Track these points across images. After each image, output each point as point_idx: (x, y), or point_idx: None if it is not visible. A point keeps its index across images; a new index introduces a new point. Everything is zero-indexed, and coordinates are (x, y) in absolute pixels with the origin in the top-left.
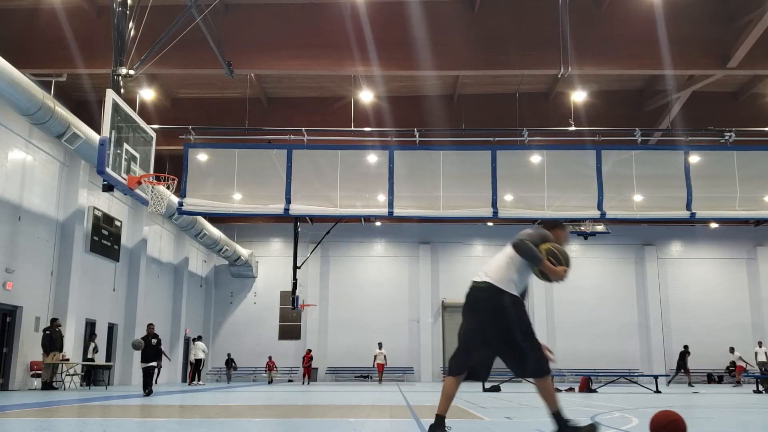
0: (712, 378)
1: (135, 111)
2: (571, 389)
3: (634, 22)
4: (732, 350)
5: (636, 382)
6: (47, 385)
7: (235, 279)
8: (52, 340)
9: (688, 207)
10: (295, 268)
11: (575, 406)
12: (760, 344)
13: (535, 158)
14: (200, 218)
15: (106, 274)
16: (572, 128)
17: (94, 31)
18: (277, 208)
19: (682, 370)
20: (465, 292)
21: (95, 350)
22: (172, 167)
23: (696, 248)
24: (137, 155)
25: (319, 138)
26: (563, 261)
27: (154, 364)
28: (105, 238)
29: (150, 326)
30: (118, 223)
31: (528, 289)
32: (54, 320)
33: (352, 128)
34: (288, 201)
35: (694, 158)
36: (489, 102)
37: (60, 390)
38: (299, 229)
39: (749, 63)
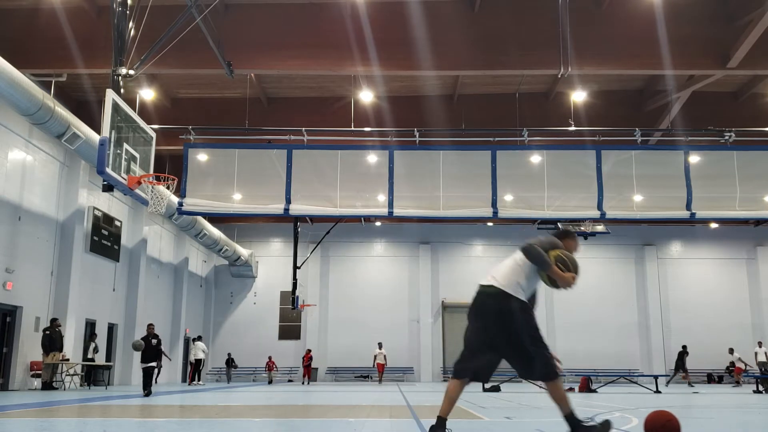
0: (712, 378)
1: (135, 111)
2: (571, 389)
3: (634, 22)
4: (731, 351)
5: (636, 382)
6: (47, 385)
7: (235, 279)
8: (52, 340)
9: (688, 207)
10: (295, 268)
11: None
12: (760, 344)
13: (535, 158)
14: (200, 218)
15: (106, 274)
16: (572, 128)
17: (94, 31)
18: (277, 208)
19: (681, 370)
20: (472, 295)
21: (95, 350)
22: (172, 167)
23: (696, 248)
24: (137, 155)
25: (319, 138)
26: (572, 268)
27: (153, 364)
28: (105, 238)
29: (150, 326)
30: (118, 223)
31: (537, 295)
32: (54, 320)
33: (352, 128)
34: (288, 201)
35: (694, 158)
36: (489, 102)
37: (60, 390)
38: (299, 229)
39: (749, 63)
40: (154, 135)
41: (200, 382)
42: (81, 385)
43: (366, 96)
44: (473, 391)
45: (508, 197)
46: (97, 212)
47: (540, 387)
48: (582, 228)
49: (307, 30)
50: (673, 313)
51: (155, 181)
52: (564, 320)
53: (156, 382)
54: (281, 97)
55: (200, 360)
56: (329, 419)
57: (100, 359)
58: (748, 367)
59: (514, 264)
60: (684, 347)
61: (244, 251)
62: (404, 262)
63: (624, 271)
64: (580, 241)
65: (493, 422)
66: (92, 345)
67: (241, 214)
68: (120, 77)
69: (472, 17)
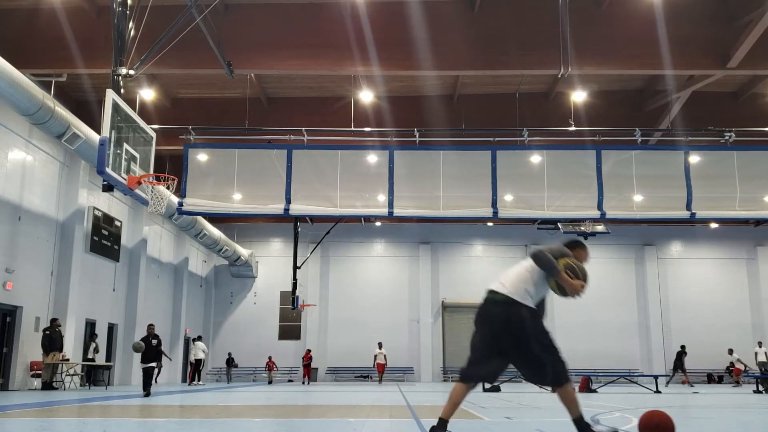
0: (712, 378)
1: (135, 111)
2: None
3: (634, 22)
4: (730, 352)
5: (636, 382)
6: (47, 385)
7: (235, 279)
8: (52, 340)
9: (688, 207)
10: (295, 268)
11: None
12: (760, 344)
13: (535, 158)
14: (200, 218)
15: (106, 274)
16: (572, 128)
17: (94, 31)
18: (277, 208)
19: (679, 371)
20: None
21: (96, 350)
22: (172, 167)
23: (696, 248)
24: (137, 155)
25: (319, 138)
26: (581, 276)
27: (153, 364)
28: (105, 238)
29: (150, 326)
30: (118, 223)
31: (546, 303)
32: (54, 320)
33: (352, 128)
34: (288, 201)
35: (694, 158)
36: (489, 102)
37: (60, 390)
38: (299, 229)
39: (749, 63)
40: (154, 135)
41: (200, 382)
42: (81, 385)
43: (366, 96)
44: (473, 391)
45: (508, 197)
46: (97, 212)
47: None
48: (582, 228)
49: (307, 30)
50: (673, 313)
51: (155, 181)
52: (564, 320)
53: (156, 382)
54: (281, 97)
55: (200, 360)
56: (329, 419)
57: (100, 359)
58: (747, 368)
59: (523, 270)
60: (682, 347)
61: (244, 251)
62: (404, 262)
63: (624, 271)
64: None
65: (493, 422)
66: (93, 345)
67: (241, 214)
68: (120, 77)
69: (472, 17)
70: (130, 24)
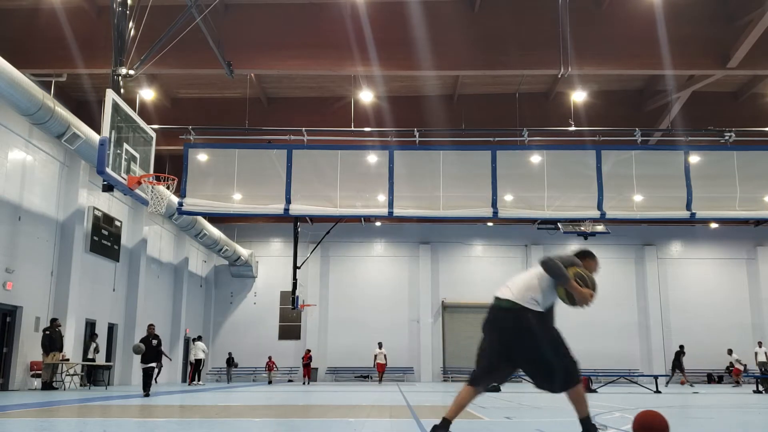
0: (711, 378)
1: (135, 111)
2: None
3: (634, 22)
4: (730, 352)
5: (636, 382)
6: (47, 385)
7: (235, 279)
8: (52, 340)
9: (688, 207)
10: (295, 268)
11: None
12: (760, 344)
13: (535, 158)
14: (200, 218)
15: (106, 274)
16: (572, 128)
17: (94, 31)
18: (277, 208)
19: (678, 370)
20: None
21: (96, 350)
22: (172, 167)
23: (696, 248)
24: (137, 155)
25: (319, 138)
26: (590, 286)
27: (154, 364)
28: (105, 238)
29: (151, 326)
30: (118, 223)
31: (554, 313)
32: (54, 320)
33: (352, 128)
34: (288, 201)
35: (694, 158)
36: (489, 102)
37: (60, 390)
38: (299, 229)
39: (749, 63)
40: (154, 135)
41: (200, 382)
42: (81, 385)
43: (366, 96)
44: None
45: (508, 197)
46: (97, 212)
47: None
48: (582, 228)
49: (307, 30)
50: (673, 313)
51: (155, 181)
52: (564, 320)
53: (156, 382)
54: (281, 97)
55: (200, 360)
56: (329, 419)
57: (100, 359)
58: (746, 368)
59: (531, 277)
60: (681, 347)
61: (244, 251)
62: (404, 262)
63: (624, 271)
64: (580, 241)
65: (493, 422)
66: (93, 345)
67: (241, 214)
68: (120, 77)
69: (472, 17)
70: (130, 24)
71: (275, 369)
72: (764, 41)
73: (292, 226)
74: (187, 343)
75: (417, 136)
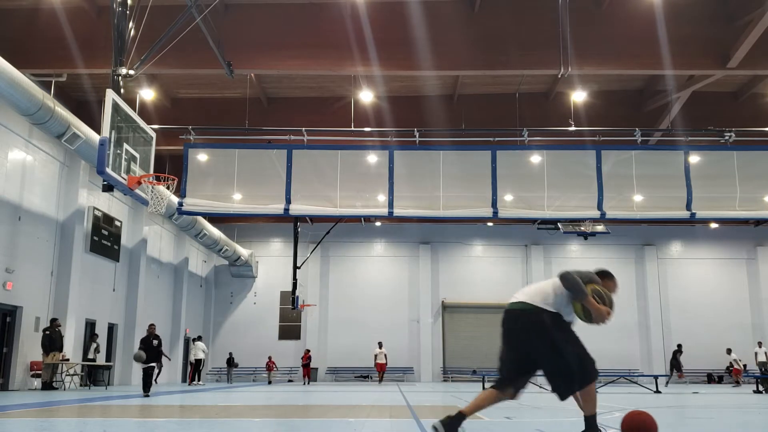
0: (711, 378)
1: (135, 111)
2: None
3: (634, 22)
4: (729, 352)
5: (636, 382)
6: (47, 385)
7: (235, 279)
8: (52, 340)
9: (688, 207)
10: (295, 268)
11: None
12: (760, 344)
13: (535, 158)
14: (200, 218)
15: (106, 274)
16: (572, 128)
17: (94, 31)
18: (277, 208)
19: (676, 369)
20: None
21: (97, 350)
22: (172, 167)
23: (696, 248)
24: (137, 155)
25: (319, 138)
26: (608, 303)
27: (154, 364)
28: (105, 238)
29: (151, 326)
30: (118, 223)
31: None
32: (54, 320)
33: (352, 128)
34: (288, 201)
35: (694, 158)
36: (489, 102)
37: (60, 390)
38: (299, 229)
39: (749, 63)
40: (154, 135)
41: (200, 382)
42: (81, 385)
43: (366, 96)
44: (473, 391)
45: (508, 197)
46: (97, 212)
47: (541, 387)
48: (582, 228)
49: (307, 30)
50: (673, 313)
51: (155, 181)
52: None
53: (156, 382)
54: (281, 97)
55: (200, 360)
56: (329, 419)
57: (100, 359)
58: (746, 368)
59: (547, 287)
60: (679, 346)
61: (244, 251)
62: (404, 262)
63: (624, 271)
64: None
65: (493, 422)
66: (93, 345)
67: (241, 214)
68: (120, 77)
69: (472, 17)
70: (130, 24)
71: (275, 369)
72: (764, 41)
73: (292, 226)
74: (187, 343)
75: (417, 136)
